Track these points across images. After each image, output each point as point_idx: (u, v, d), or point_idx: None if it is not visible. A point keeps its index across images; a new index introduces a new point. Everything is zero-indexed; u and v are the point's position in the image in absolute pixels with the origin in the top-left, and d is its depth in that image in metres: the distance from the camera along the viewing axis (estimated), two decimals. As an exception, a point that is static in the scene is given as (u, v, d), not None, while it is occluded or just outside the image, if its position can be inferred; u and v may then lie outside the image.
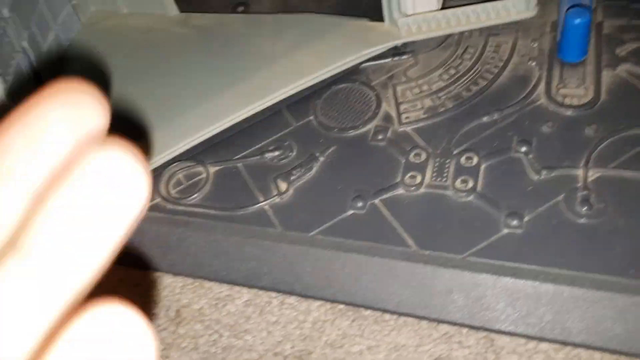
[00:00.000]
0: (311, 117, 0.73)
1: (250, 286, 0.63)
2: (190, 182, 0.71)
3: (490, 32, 0.75)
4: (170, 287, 0.67)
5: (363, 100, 0.74)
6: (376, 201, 0.64)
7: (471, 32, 0.76)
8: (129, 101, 0.79)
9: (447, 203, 0.62)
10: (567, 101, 0.67)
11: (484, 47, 0.74)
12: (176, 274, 0.66)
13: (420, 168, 0.65)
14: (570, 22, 0.67)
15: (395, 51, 0.77)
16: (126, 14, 0.92)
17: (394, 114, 0.71)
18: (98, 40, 0.89)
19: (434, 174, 0.64)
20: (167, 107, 0.77)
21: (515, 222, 0.58)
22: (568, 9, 0.68)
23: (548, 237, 0.57)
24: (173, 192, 0.71)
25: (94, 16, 0.93)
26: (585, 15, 0.66)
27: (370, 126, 0.71)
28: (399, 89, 0.74)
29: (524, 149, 0.64)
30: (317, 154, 0.69)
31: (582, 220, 0.57)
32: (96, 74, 0.84)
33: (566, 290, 0.54)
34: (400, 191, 0.64)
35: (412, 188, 0.64)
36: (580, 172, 0.60)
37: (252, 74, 0.77)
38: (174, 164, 0.72)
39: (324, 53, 0.77)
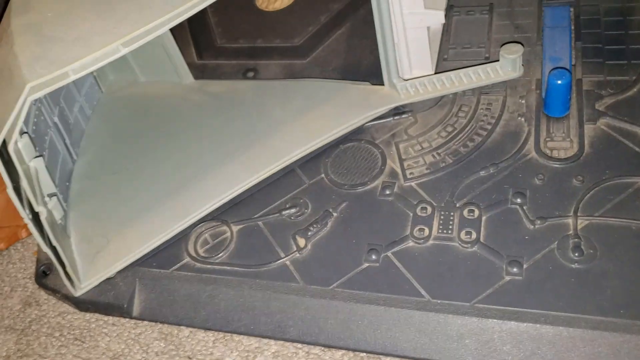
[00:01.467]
0: (322, 175, 0.80)
1: (277, 338, 0.69)
2: (216, 241, 0.77)
3: (481, 91, 0.83)
4: (204, 341, 0.73)
5: (369, 157, 0.81)
6: (389, 254, 0.70)
7: (464, 91, 0.83)
8: (152, 167, 0.85)
9: (454, 254, 0.68)
10: (555, 154, 0.74)
11: (477, 105, 0.82)
12: (208, 328, 0.72)
13: (427, 221, 0.72)
14: (553, 83, 0.74)
15: (396, 111, 0.85)
16: (144, 82, 0.99)
17: (398, 170, 0.78)
18: (118, 109, 0.96)
19: (440, 227, 0.71)
20: (189, 172, 0.83)
21: (515, 270, 0.65)
22: (550, 71, 0.76)
23: (545, 283, 0.63)
24: (201, 251, 0.77)
25: (114, 85, 1.00)
26: (565, 76, 0.74)
27: (378, 182, 0.78)
28: (401, 146, 0.81)
29: (519, 200, 0.71)
30: (331, 210, 0.76)
31: (575, 266, 0.64)
32: (118, 141, 0.91)
33: (565, 331, 0.60)
34: (410, 243, 0.71)
35: (421, 240, 0.70)
36: (570, 221, 0.67)
37: (266, 137, 0.84)
38: (200, 225, 0.79)
39: (331, 116, 0.84)
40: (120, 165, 0.87)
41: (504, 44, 0.83)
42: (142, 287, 0.76)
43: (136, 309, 0.76)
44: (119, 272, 0.77)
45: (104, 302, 0.76)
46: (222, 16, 1.09)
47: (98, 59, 0.61)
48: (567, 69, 0.76)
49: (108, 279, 0.77)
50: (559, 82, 0.74)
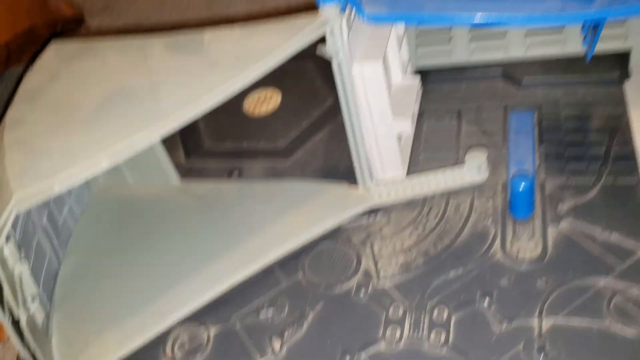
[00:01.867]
0: (300, 275, 0.83)
1: None
2: (193, 343, 0.79)
3: (450, 193, 0.87)
4: None
5: (345, 257, 0.84)
6: (362, 356, 0.72)
7: (434, 193, 0.88)
8: (135, 269, 0.88)
9: (425, 356, 0.70)
10: (521, 255, 0.77)
11: (446, 207, 0.86)
12: None
13: (399, 322, 0.74)
14: (516, 187, 0.79)
15: (372, 211, 0.89)
16: (132, 184, 1.04)
17: (373, 270, 0.81)
18: (106, 210, 1.00)
19: (411, 328, 0.73)
20: (171, 273, 0.86)
21: (483, 372, 0.67)
22: (513, 175, 0.81)
23: (512, 385, 0.65)
24: (178, 354, 0.78)
25: (103, 186, 1.05)
26: (527, 180, 0.78)
27: (353, 282, 0.80)
28: (376, 246, 0.84)
29: (486, 301, 0.73)
30: (307, 311, 0.78)
31: (540, 368, 0.66)
32: (104, 243, 0.95)
33: None
34: (382, 345, 0.72)
35: (393, 343, 0.72)
36: (535, 322, 0.70)
37: (247, 238, 0.87)
38: (178, 327, 0.80)
39: (309, 216, 0.88)
40: (105, 267, 0.90)
41: (470, 149, 0.88)
42: (120, 390, 0.77)
43: (113, 412, 0.76)
44: (98, 374, 0.78)
45: (82, 406, 0.77)
46: (211, 120, 1.15)
47: (83, 172, 0.65)
48: (528, 174, 0.80)
49: (86, 382, 0.78)
50: (521, 186, 0.78)
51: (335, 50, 0.74)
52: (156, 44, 0.77)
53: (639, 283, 0.70)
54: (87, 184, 1.04)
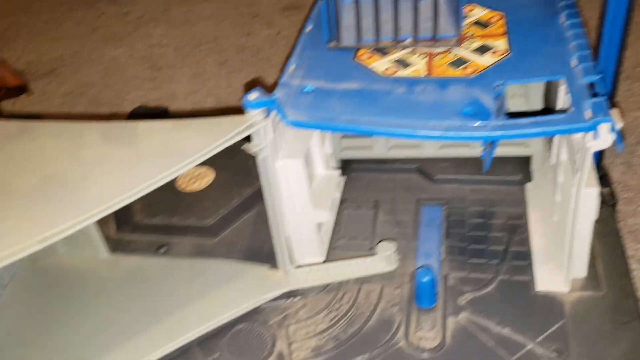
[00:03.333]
0: (217, 355, 0.87)
1: None
2: (107, 419, 0.81)
3: (363, 280, 0.94)
4: None
5: (261, 339, 0.88)
6: None
7: (349, 279, 0.94)
8: (58, 341, 0.90)
9: None
10: (422, 344, 0.84)
11: (358, 293, 0.92)
12: None
13: (305, 406, 0.78)
14: (419, 280, 0.86)
15: (290, 293, 0.94)
16: (62, 254, 1.06)
17: (286, 352, 0.86)
18: (35, 280, 1.02)
19: (316, 412, 0.78)
20: (91, 345, 0.88)
21: None
22: (418, 268, 0.88)
23: None
24: None
25: (32, 255, 1.06)
26: (429, 274, 0.86)
27: (266, 364, 0.85)
28: (291, 328, 0.89)
29: (387, 388, 0.79)
30: (220, 392, 0.82)
31: None
32: (31, 313, 0.96)
33: None
34: None
35: None
36: (429, 410, 0.76)
37: (169, 315, 0.91)
38: (94, 402, 0.83)
39: (231, 297, 0.92)
40: (29, 336, 0.91)
41: (381, 240, 0.96)
42: None
43: None
44: None
45: None
46: (144, 194, 1.20)
47: (13, 254, 0.69)
48: (432, 267, 0.88)
49: None
50: (424, 279, 0.86)
51: (260, 148, 0.81)
52: (93, 131, 0.82)
53: (522, 375, 0.77)
54: (15, 252, 1.05)
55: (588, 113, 0.72)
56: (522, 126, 0.73)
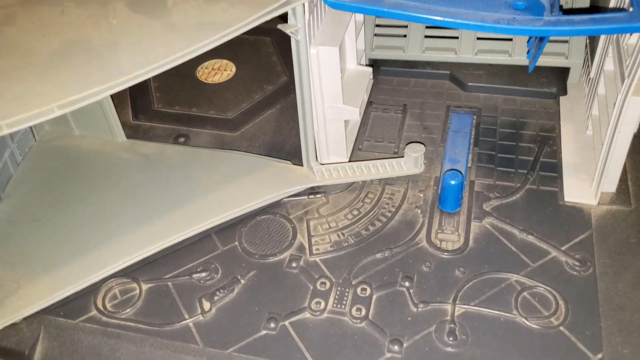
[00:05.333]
0: (236, 243, 0.86)
1: (172, 395, 0.73)
2: (125, 297, 0.81)
3: (387, 181, 0.92)
4: (100, 393, 0.75)
5: (282, 231, 0.87)
6: (286, 323, 0.76)
7: (372, 180, 0.92)
8: (73, 219, 0.89)
9: (344, 328, 0.75)
10: (443, 245, 0.83)
11: (382, 193, 0.91)
12: (106, 381, 0.75)
13: (325, 295, 0.78)
14: (446, 183, 0.84)
15: (312, 190, 0.92)
16: (77, 135, 1.03)
17: (306, 245, 0.85)
18: (49, 159, 0.99)
19: (335, 301, 0.77)
20: (108, 227, 0.87)
21: (396, 348, 0.72)
22: (446, 171, 0.86)
23: (421, 362, 0.71)
24: (109, 305, 0.80)
25: (48, 134, 1.04)
26: (458, 178, 0.84)
27: (286, 254, 0.84)
28: (312, 223, 0.88)
29: (407, 283, 0.79)
30: (239, 277, 0.81)
31: (448, 349, 0.71)
32: (44, 190, 0.94)
33: (431, 407, 0.67)
34: (307, 315, 0.76)
35: (317, 313, 0.76)
36: (449, 308, 0.75)
37: (187, 202, 0.89)
38: (111, 280, 0.82)
39: (252, 188, 0.91)
40: (42, 213, 0.90)
41: (409, 143, 0.93)
42: (46, 335, 0.78)
43: (37, 356, 0.77)
44: (25, 318, 0.79)
45: (5, 347, 0.77)
46: (163, 82, 1.16)
47: (32, 118, 0.65)
48: (460, 172, 0.86)
49: (13, 324, 0.78)
50: (452, 182, 0.84)
51: (296, 29, 0.77)
52: (119, 1, 0.78)
53: (545, 283, 0.77)
54: (32, 131, 1.03)
55: (651, 12, 0.67)
56: (577, 23, 0.69)
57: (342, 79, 0.92)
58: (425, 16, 0.73)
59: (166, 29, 0.73)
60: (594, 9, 0.97)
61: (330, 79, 0.85)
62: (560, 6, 0.72)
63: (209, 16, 0.73)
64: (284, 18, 0.77)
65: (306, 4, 0.76)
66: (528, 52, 0.81)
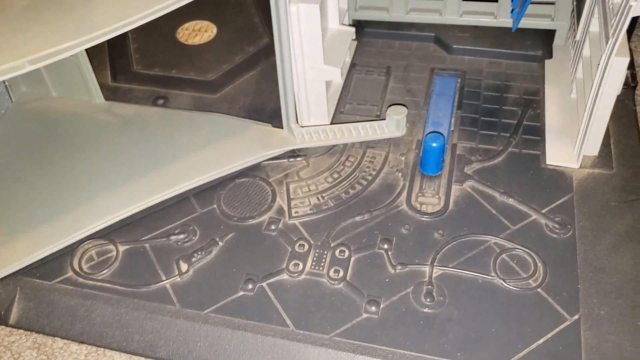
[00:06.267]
0: (215, 206, 0.85)
1: (148, 356, 0.72)
2: (101, 258, 0.80)
3: (368, 144, 0.91)
4: (76, 353, 0.74)
5: (261, 194, 0.86)
6: (264, 284, 0.75)
7: (353, 143, 0.91)
8: (50, 180, 0.87)
9: (322, 289, 0.75)
10: (423, 208, 0.82)
11: (362, 157, 0.90)
12: (82, 342, 0.74)
13: (303, 257, 0.78)
14: (428, 145, 0.83)
15: (292, 153, 0.91)
16: (55, 97, 1.01)
17: (285, 208, 0.84)
18: (26, 120, 0.97)
19: (313, 263, 0.77)
20: (86, 188, 0.86)
21: (373, 309, 0.72)
22: (427, 134, 0.85)
23: (398, 323, 0.70)
24: (85, 267, 0.79)
25: (24, 96, 1.02)
26: (439, 140, 0.83)
27: (265, 217, 0.83)
28: (291, 186, 0.87)
29: (385, 246, 0.78)
30: (217, 239, 0.81)
31: (425, 310, 0.71)
32: (22, 151, 0.93)
33: (407, 367, 0.67)
34: (284, 276, 0.76)
35: (295, 274, 0.76)
36: (427, 269, 0.75)
37: (166, 163, 0.88)
38: (88, 241, 0.81)
39: (231, 151, 0.89)
40: (20, 174, 0.89)
41: (392, 105, 0.92)
42: (22, 296, 0.78)
43: (13, 317, 0.77)
44: (1, 279, 0.78)
45: (-20, 309, 0.77)
46: (142, 43, 1.13)
47: (2, 72, 0.64)
48: (442, 134, 0.85)
49: (-12, 285, 0.78)
50: (434, 145, 0.83)
51: (274, -14, 0.75)
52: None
53: (524, 245, 0.77)
54: (9, 92, 1.00)
55: (637, -32, 0.66)
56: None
57: (324, 39, 0.91)
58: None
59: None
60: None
61: (311, 38, 0.83)
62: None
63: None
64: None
65: (285, -41, 0.74)
66: (512, 10, 0.79)
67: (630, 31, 0.96)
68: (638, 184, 0.82)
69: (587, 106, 0.80)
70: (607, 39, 0.74)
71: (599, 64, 0.76)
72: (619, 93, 0.78)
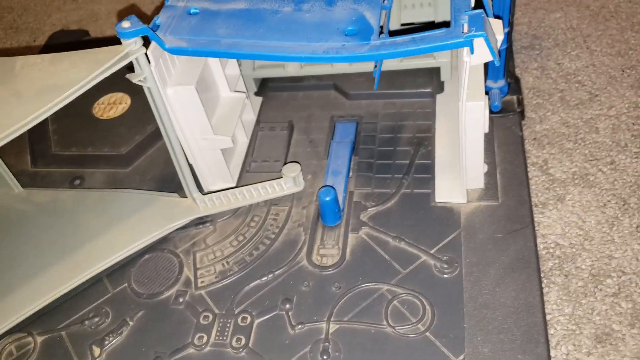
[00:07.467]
0: (125, 285, 0.89)
1: None
2: (20, 352, 0.83)
3: (272, 202, 0.95)
4: None
5: (168, 267, 0.90)
6: (171, 360, 0.79)
7: (258, 202, 0.95)
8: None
9: (227, 359, 0.78)
10: (323, 261, 0.86)
11: (267, 215, 0.93)
12: None
13: (207, 328, 0.81)
14: (321, 199, 0.87)
15: (199, 220, 0.95)
16: (-27, 192, 1.05)
17: (192, 278, 0.88)
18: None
19: (217, 334, 0.80)
20: (2, 281, 0.89)
21: (273, 372, 0.75)
22: (320, 188, 0.89)
23: (295, 384, 0.74)
24: (5, 362, 0.83)
25: (-56, 194, 1.06)
26: (331, 194, 0.86)
27: (173, 291, 0.87)
28: (198, 255, 0.90)
29: (287, 306, 0.82)
30: (128, 319, 0.84)
31: (321, 367, 0.75)
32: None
33: None
34: (191, 350, 0.79)
35: (200, 347, 0.79)
36: (324, 326, 0.79)
37: (77, 248, 0.92)
38: (7, 336, 0.85)
39: (139, 227, 0.93)
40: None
41: (288, 163, 0.96)
42: (-53, 400, 0.81)
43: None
44: None
45: None
46: (60, 124, 1.17)
47: None
48: (332, 187, 0.88)
49: None
50: (327, 199, 0.87)
51: (143, 77, 0.79)
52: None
53: (413, 289, 0.80)
54: None
55: (465, 27, 0.70)
56: (399, 45, 0.71)
57: (215, 109, 0.95)
58: (260, 52, 0.75)
59: (11, 96, 0.74)
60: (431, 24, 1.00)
61: (194, 114, 0.87)
62: (381, 28, 0.74)
63: (51, 79, 0.75)
64: (132, 68, 0.79)
65: (150, 53, 0.77)
66: (374, 68, 0.83)
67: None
68: (523, 213, 0.86)
69: (460, 145, 0.84)
70: (460, 86, 0.78)
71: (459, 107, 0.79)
72: (486, 131, 0.82)
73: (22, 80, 0.76)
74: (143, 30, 0.75)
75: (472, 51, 0.69)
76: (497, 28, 0.71)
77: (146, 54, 0.77)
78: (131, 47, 0.75)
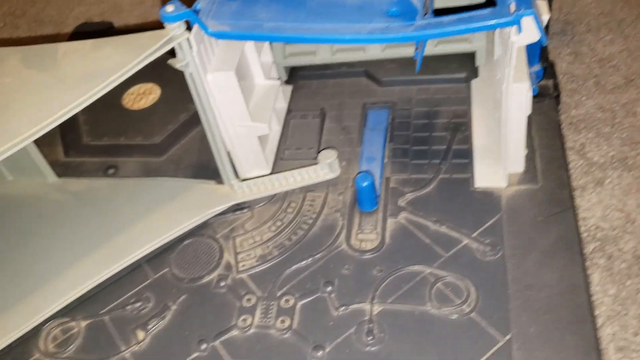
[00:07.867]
0: (166, 270, 0.89)
1: None
2: (65, 336, 0.84)
3: (308, 188, 0.95)
4: None
5: (208, 252, 0.90)
6: (216, 343, 0.79)
7: (294, 189, 0.95)
8: (8, 265, 0.92)
9: (270, 340, 0.78)
10: (362, 246, 0.86)
11: (303, 201, 0.93)
12: (51, 421, 0.79)
13: (251, 311, 0.82)
14: (358, 185, 0.87)
15: (237, 206, 0.95)
16: (9, 181, 1.06)
17: (233, 262, 0.88)
18: (-17, 208, 1.02)
19: (261, 316, 0.81)
20: (43, 270, 0.90)
21: (319, 354, 0.75)
22: (357, 174, 0.89)
23: (341, 365, 0.74)
24: (51, 346, 0.83)
25: (-20, 184, 1.07)
26: (368, 179, 0.87)
27: (214, 275, 0.87)
28: (238, 240, 0.91)
29: (328, 289, 0.82)
30: (170, 304, 0.85)
31: (367, 349, 0.75)
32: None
33: (351, 408, 0.71)
34: (235, 332, 0.80)
35: (244, 329, 0.80)
36: (367, 307, 0.79)
37: (116, 235, 0.92)
38: (51, 321, 0.85)
39: (176, 213, 0.94)
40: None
41: (324, 149, 0.96)
42: (-7, 384, 0.82)
43: (-14, 406, 0.82)
44: (-30, 370, 0.83)
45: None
46: (91, 114, 1.18)
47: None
48: (370, 172, 0.88)
49: (-42, 378, 0.82)
50: (364, 184, 0.87)
51: (185, 63, 0.79)
52: (12, 57, 0.79)
53: (456, 272, 0.80)
54: (-37, 182, 1.05)
55: (512, 6, 0.70)
56: (445, 25, 0.71)
57: (251, 97, 0.95)
58: (303, 35, 0.75)
59: (55, 82, 0.75)
60: (490, 3, 0.99)
61: (232, 101, 0.87)
62: (433, 8, 0.74)
63: (95, 65, 0.75)
64: (173, 53, 0.79)
65: (191, 38, 0.78)
66: (415, 50, 0.83)
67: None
68: (562, 196, 0.86)
69: (502, 129, 0.84)
70: (504, 67, 0.78)
71: (502, 90, 0.79)
72: (529, 113, 0.82)
73: (66, 67, 0.77)
74: (187, 15, 0.76)
75: (519, 30, 0.69)
76: (543, 8, 0.71)
77: (188, 39, 0.78)
78: (175, 32, 0.76)
